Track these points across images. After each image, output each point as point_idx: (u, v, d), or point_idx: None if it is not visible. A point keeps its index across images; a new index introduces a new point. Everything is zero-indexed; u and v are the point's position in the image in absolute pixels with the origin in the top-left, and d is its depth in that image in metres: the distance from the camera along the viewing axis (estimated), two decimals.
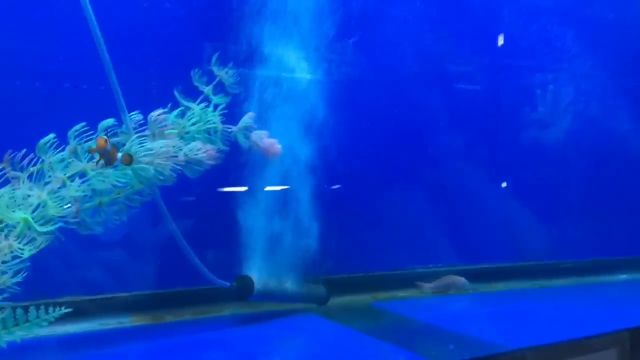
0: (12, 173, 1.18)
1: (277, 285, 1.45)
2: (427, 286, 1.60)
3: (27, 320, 1.04)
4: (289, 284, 1.48)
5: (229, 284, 1.41)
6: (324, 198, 1.51)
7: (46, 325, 1.05)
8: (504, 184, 1.88)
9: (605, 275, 1.86)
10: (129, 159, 1.18)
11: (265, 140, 1.44)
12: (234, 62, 1.45)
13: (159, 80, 1.55)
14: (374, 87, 1.77)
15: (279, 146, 1.45)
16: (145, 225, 1.48)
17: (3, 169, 1.17)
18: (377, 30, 1.76)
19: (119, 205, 1.30)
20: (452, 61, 1.88)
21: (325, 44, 1.61)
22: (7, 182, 1.16)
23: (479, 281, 1.70)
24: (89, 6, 1.22)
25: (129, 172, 1.25)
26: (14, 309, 1.04)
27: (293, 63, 1.59)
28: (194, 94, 1.40)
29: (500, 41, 1.92)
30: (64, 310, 1.08)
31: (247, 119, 1.43)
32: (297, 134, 1.56)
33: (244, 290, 1.41)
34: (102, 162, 1.18)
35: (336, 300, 1.59)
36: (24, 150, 1.17)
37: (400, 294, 1.65)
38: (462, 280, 1.60)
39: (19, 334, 1.04)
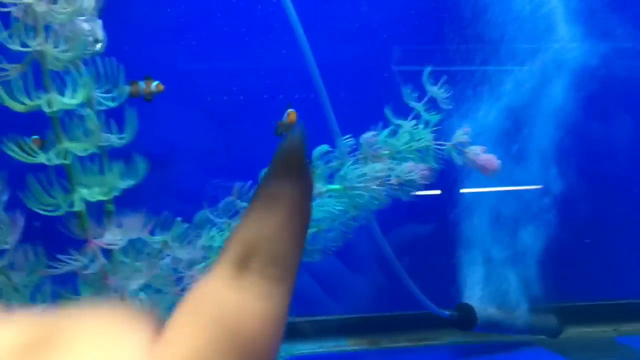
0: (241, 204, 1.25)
1: (502, 314, 1.32)
2: None
3: None
4: (516, 314, 1.34)
5: (448, 313, 1.32)
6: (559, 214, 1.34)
7: None
8: None
9: None
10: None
11: (482, 156, 1.32)
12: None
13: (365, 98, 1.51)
14: None
15: (498, 161, 1.32)
16: (361, 249, 1.46)
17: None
18: None
19: (335, 232, 1.31)
20: None
21: None
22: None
23: None
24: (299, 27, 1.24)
25: (346, 199, 1.25)
26: None
27: None
28: (403, 111, 1.34)
29: None
30: None
31: (461, 133, 1.33)
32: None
33: (465, 320, 1.31)
34: None
35: (570, 332, 1.40)
36: (249, 182, 1.23)
37: None
38: None
39: None
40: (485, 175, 1.38)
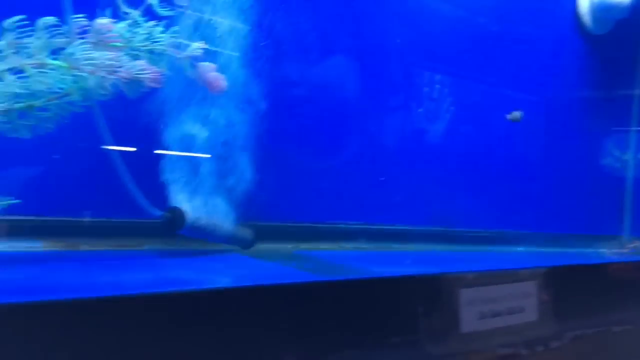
0: None
1: (208, 222, 1.43)
2: None
3: None
4: (219, 223, 1.46)
5: (160, 213, 1.36)
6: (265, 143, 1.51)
7: None
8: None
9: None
10: None
11: (211, 73, 1.41)
12: None
13: None
14: None
15: (225, 82, 1.42)
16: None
17: None
18: None
19: (50, 113, 1.21)
20: None
21: None
22: None
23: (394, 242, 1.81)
24: None
25: (69, 78, 1.17)
26: None
27: None
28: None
29: None
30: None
31: (195, 47, 1.38)
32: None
33: (174, 222, 1.37)
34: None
35: (259, 247, 1.59)
36: None
37: (323, 246, 1.70)
38: None
39: None
40: (211, 91, 1.47)
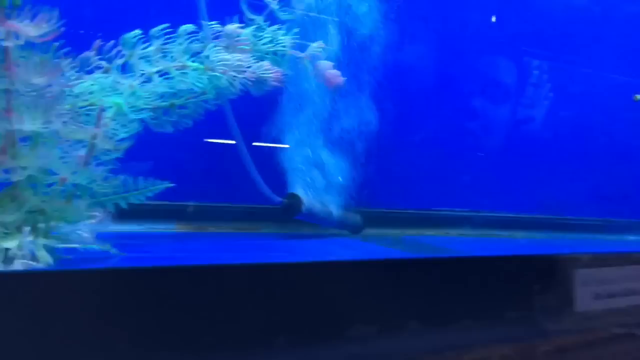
0: (101, 63, 1.24)
1: (322, 207, 1.54)
2: None
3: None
4: (331, 209, 1.57)
5: (280, 199, 1.49)
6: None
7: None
8: None
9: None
10: None
11: (330, 71, 1.51)
12: None
13: None
14: None
15: (342, 78, 1.52)
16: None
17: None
18: None
19: (188, 110, 1.37)
20: None
21: None
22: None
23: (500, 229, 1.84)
24: None
25: (205, 78, 1.33)
26: None
27: None
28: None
29: None
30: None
31: (316, 47, 1.50)
32: None
33: (292, 207, 1.50)
34: None
35: (368, 232, 1.69)
36: (112, 42, 1.23)
37: (428, 232, 1.77)
38: None
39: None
40: (329, 88, 1.58)
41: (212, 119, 1.45)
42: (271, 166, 1.55)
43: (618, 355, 0.98)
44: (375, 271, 0.85)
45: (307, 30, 1.55)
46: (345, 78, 1.49)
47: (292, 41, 1.46)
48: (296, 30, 1.44)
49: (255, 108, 1.53)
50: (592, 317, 0.93)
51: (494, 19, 1.94)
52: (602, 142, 2.11)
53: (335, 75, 1.52)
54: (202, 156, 1.57)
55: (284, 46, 1.49)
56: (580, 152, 2.08)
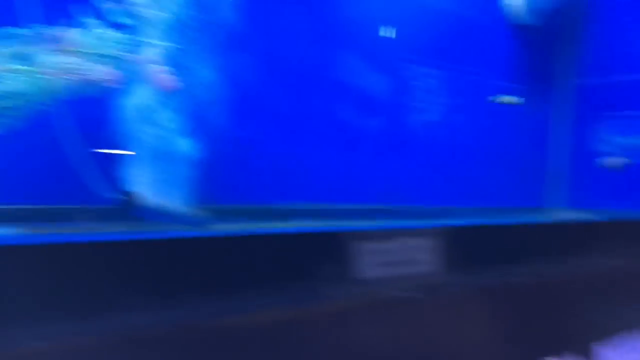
0: None
1: (162, 204, 1.60)
2: None
3: None
4: (172, 205, 1.64)
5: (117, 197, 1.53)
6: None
7: None
8: None
9: None
10: None
11: (161, 74, 1.57)
12: None
13: None
14: None
15: (176, 82, 1.58)
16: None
17: None
18: None
19: (18, 111, 1.37)
20: None
21: None
22: None
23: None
24: None
25: (35, 80, 1.34)
26: None
27: None
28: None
29: None
30: None
31: (152, 53, 1.55)
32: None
33: (129, 204, 1.54)
34: None
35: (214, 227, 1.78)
36: None
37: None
38: None
39: None
40: (161, 91, 1.64)
41: (46, 121, 1.46)
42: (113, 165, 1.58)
43: (399, 314, 1.17)
44: None
45: None
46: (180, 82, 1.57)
47: (129, 45, 1.51)
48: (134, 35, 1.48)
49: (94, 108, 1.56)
50: (375, 283, 1.11)
51: None
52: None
53: (168, 79, 1.59)
54: (37, 157, 1.57)
55: (120, 49, 1.53)
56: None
